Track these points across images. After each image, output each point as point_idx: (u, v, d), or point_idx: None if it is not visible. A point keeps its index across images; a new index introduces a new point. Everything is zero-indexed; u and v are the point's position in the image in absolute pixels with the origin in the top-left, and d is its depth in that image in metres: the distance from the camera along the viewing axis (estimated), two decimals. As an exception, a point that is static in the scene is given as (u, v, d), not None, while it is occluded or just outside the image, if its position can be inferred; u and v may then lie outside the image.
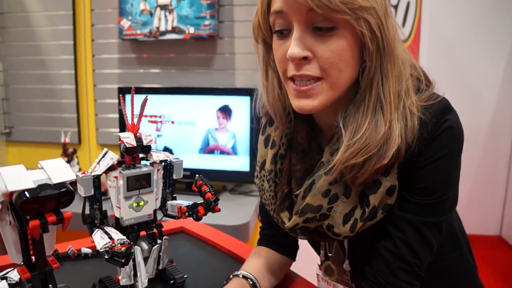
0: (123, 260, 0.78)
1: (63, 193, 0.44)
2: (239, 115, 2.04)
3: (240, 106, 2.04)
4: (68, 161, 2.08)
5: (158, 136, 2.15)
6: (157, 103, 2.14)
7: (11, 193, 0.43)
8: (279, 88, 0.82)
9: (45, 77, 2.43)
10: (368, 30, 0.68)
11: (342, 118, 0.74)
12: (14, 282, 0.85)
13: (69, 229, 1.58)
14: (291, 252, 1.01)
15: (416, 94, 0.74)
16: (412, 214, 0.75)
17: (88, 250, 1.07)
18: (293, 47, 0.69)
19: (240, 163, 2.07)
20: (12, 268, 0.94)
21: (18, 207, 0.42)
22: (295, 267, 1.04)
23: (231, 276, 0.90)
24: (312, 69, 0.70)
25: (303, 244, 1.01)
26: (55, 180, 0.44)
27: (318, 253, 0.97)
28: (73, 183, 0.81)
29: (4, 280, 0.86)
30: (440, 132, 0.71)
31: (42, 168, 0.47)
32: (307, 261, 1.08)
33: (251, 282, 0.88)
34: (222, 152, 2.09)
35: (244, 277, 0.89)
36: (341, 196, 0.76)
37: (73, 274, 1.00)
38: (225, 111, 2.06)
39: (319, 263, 0.98)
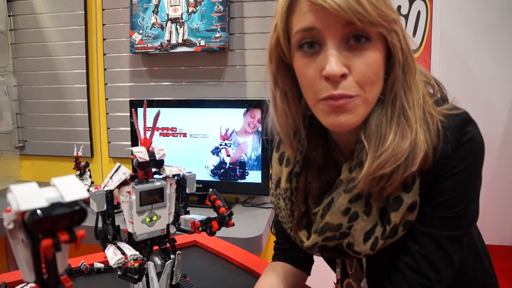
0: (136, 276, 0.77)
1: (76, 212, 0.43)
2: (249, 127, 2.03)
3: (251, 117, 2.04)
4: (81, 174, 2.08)
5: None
6: (168, 116, 2.14)
7: (24, 211, 0.42)
8: (288, 109, 0.79)
9: (58, 91, 2.45)
10: (398, 41, 0.68)
11: (364, 132, 0.72)
12: None
13: (82, 243, 1.57)
14: (306, 266, 0.99)
15: (431, 99, 0.74)
16: (433, 228, 0.74)
17: (101, 265, 1.07)
18: (333, 64, 0.65)
19: (252, 175, 2.06)
20: (25, 284, 0.94)
21: (30, 226, 0.41)
22: (309, 282, 1.02)
23: None
24: (349, 87, 0.66)
25: (318, 260, 1.00)
26: (68, 198, 0.43)
27: (334, 270, 0.96)
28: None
29: (17, 297, 0.86)
30: (461, 144, 0.70)
31: (54, 185, 0.46)
32: (321, 276, 1.06)
33: None
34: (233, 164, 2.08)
35: None
36: (361, 214, 0.75)
37: (86, 289, 1.00)
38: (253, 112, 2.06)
39: (335, 281, 0.96)
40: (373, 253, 0.75)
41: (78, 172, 2.10)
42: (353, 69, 0.66)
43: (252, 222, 1.86)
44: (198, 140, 2.12)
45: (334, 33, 0.65)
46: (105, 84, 2.40)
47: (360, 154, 0.73)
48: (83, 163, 2.11)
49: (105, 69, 2.39)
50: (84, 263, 1.06)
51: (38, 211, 0.42)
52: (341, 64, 0.65)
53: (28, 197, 0.44)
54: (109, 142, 2.44)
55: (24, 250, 0.49)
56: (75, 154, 2.10)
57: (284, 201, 0.83)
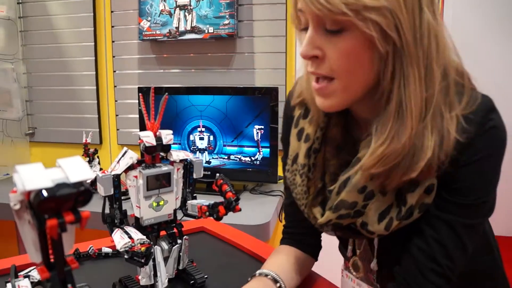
0: (143, 260, 0.77)
1: (81, 192, 0.42)
2: (258, 115, 2.03)
3: (259, 105, 2.03)
4: (89, 161, 2.10)
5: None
6: (177, 103, 2.14)
7: (29, 192, 0.42)
8: None
9: (67, 78, 2.46)
10: (378, 31, 0.63)
11: (375, 120, 0.71)
12: (36, 280, 0.85)
13: (89, 229, 1.58)
14: (314, 252, 0.99)
15: (458, 97, 0.70)
16: (450, 214, 0.72)
17: (109, 250, 1.07)
18: (303, 46, 0.69)
19: (261, 162, 2.06)
20: (34, 267, 0.95)
21: (35, 206, 0.41)
22: (316, 269, 1.02)
23: (256, 274, 0.88)
24: (323, 69, 0.69)
25: (325, 246, 0.99)
26: (73, 179, 0.43)
27: (345, 248, 0.95)
28: (94, 183, 0.82)
29: (27, 278, 0.87)
30: (484, 131, 0.68)
31: (60, 166, 0.46)
32: (328, 263, 1.06)
33: (273, 280, 0.86)
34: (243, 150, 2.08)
35: (266, 275, 0.86)
36: (377, 193, 0.74)
37: (94, 273, 1.00)
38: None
39: (343, 267, 0.95)
40: (387, 233, 0.74)
41: (87, 159, 2.11)
42: (327, 55, 0.68)
43: (260, 209, 1.86)
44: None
45: (312, 17, 0.67)
46: (114, 71, 2.40)
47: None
48: (91, 150, 2.12)
49: (113, 56, 2.39)
50: (92, 248, 1.07)
51: (44, 191, 0.42)
52: (312, 46, 0.68)
53: (34, 177, 0.44)
54: (117, 129, 2.45)
55: (31, 231, 0.49)
56: (83, 141, 2.12)
57: (301, 177, 0.83)
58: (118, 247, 0.77)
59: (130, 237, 0.79)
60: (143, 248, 0.77)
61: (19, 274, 0.89)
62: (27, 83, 2.53)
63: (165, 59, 2.33)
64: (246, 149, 2.08)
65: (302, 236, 0.96)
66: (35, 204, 0.42)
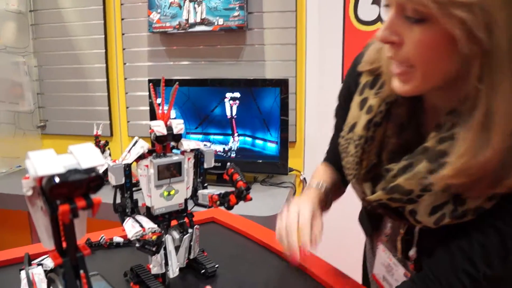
0: (154, 249, 0.77)
1: (92, 178, 0.43)
2: (268, 107, 2.02)
3: (270, 97, 2.02)
4: (101, 153, 2.11)
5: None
6: (187, 95, 2.14)
7: (41, 177, 0.42)
8: None
9: (78, 71, 2.47)
10: (463, 30, 0.57)
11: (452, 114, 0.68)
12: (49, 268, 0.86)
13: (102, 219, 1.59)
14: (345, 185, 1.03)
15: None
16: (504, 224, 0.69)
17: (120, 239, 1.08)
18: (382, 29, 0.66)
19: (271, 154, 2.06)
20: (47, 255, 0.96)
21: (47, 191, 0.41)
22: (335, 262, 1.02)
23: (313, 186, 0.96)
24: (400, 55, 0.66)
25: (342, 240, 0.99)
26: (85, 165, 0.43)
27: (372, 223, 0.96)
28: (105, 173, 0.82)
29: (40, 266, 0.88)
30: None
31: (72, 152, 0.46)
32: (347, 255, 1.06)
33: (323, 190, 0.94)
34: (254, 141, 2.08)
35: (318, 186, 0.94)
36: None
37: (105, 262, 1.01)
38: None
39: (385, 234, 0.93)
40: (435, 227, 0.72)
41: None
42: (405, 42, 0.65)
43: (270, 201, 1.86)
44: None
45: (394, 1, 0.64)
46: (124, 63, 2.41)
47: (453, 128, 0.68)
48: (102, 142, 2.13)
49: (123, 49, 2.40)
50: (103, 237, 1.07)
51: (56, 177, 0.42)
52: (391, 31, 0.66)
53: (46, 163, 0.44)
54: (128, 122, 2.46)
55: (43, 217, 0.49)
56: (94, 133, 2.13)
57: (355, 147, 0.81)
58: (129, 235, 0.78)
59: (141, 226, 0.79)
60: (154, 237, 0.78)
61: (32, 262, 0.89)
62: (38, 76, 2.55)
63: (175, 51, 2.33)
64: (257, 141, 2.08)
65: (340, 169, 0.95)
66: (47, 189, 0.42)
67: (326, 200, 0.96)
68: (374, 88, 0.81)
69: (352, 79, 0.88)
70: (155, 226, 0.80)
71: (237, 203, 0.84)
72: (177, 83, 0.85)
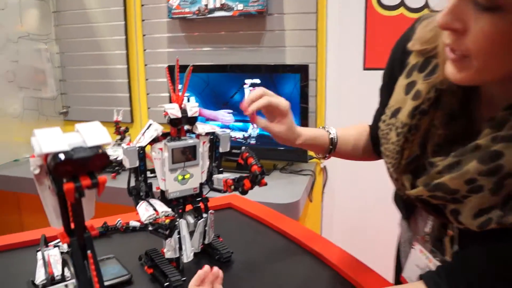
0: (167, 232, 0.77)
1: (98, 156, 0.41)
2: (288, 93, 2.00)
3: (290, 84, 1.99)
4: (121, 139, 2.12)
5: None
6: (207, 82, 2.13)
7: (47, 155, 0.41)
8: None
9: (99, 57, 2.48)
10: None
11: (507, 110, 0.62)
12: (65, 250, 0.87)
13: (118, 204, 1.59)
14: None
15: None
16: None
17: (136, 223, 1.08)
18: (443, 13, 0.58)
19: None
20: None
21: (52, 169, 0.40)
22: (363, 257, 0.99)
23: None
24: (461, 45, 0.58)
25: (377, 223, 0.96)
26: (90, 143, 0.42)
27: (408, 212, 0.88)
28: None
29: (57, 248, 0.88)
30: None
31: (78, 131, 0.45)
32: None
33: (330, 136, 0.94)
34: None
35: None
36: (487, 190, 0.63)
37: (121, 246, 1.01)
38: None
39: (426, 231, 0.85)
40: (478, 230, 0.65)
41: (119, 137, 2.13)
42: (469, 31, 0.57)
43: (289, 188, 1.84)
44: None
45: None
46: (144, 50, 2.41)
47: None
48: (123, 128, 2.14)
49: (143, 35, 2.40)
50: (120, 221, 1.08)
51: (60, 154, 0.41)
52: (454, 17, 0.57)
53: (51, 140, 0.43)
54: (148, 108, 2.47)
55: (51, 196, 0.48)
56: (114, 119, 2.14)
57: (397, 135, 0.74)
58: (143, 219, 0.77)
59: (154, 210, 0.79)
60: (167, 220, 0.77)
61: (49, 244, 0.90)
62: (60, 63, 2.57)
63: (195, 37, 2.32)
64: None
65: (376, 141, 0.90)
66: (51, 166, 0.41)
67: (324, 144, 0.96)
68: (424, 72, 0.72)
69: (398, 57, 0.80)
70: (169, 210, 0.80)
71: (251, 188, 0.83)
72: (191, 65, 0.83)
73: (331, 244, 1.00)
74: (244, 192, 0.83)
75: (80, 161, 0.42)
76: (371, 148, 0.98)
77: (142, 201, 0.82)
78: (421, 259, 0.85)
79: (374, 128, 0.94)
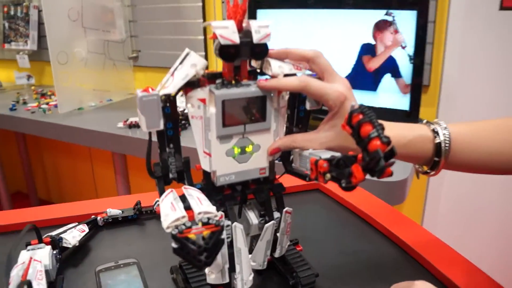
0: (202, 257, 0.41)
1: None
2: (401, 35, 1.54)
3: (403, 22, 1.53)
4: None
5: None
6: (297, 19, 1.72)
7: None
8: None
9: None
10: None
11: None
12: (70, 245, 0.63)
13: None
14: None
15: None
16: None
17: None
18: None
19: (398, 100, 1.59)
20: (77, 223, 0.68)
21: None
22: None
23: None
24: None
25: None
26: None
27: None
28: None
29: (48, 248, 0.59)
30: None
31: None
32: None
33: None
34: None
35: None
36: None
37: (153, 241, 0.69)
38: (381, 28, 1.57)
39: None
40: None
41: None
42: None
43: (397, 162, 1.42)
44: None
45: None
46: (222, -15, 2.04)
47: None
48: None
49: (222, -33, 2.03)
50: (158, 202, 0.76)
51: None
52: None
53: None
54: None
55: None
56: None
57: None
58: (165, 224, 0.42)
59: (187, 208, 0.44)
60: (206, 233, 0.41)
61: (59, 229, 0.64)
62: (130, 1, 2.28)
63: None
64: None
65: None
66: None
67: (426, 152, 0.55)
68: None
69: None
70: (213, 210, 0.44)
71: (364, 179, 0.43)
72: None
73: (441, 245, 0.61)
74: (349, 188, 0.44)
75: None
76: None
77: (169, 190, 0.48)
78: None
79: None
